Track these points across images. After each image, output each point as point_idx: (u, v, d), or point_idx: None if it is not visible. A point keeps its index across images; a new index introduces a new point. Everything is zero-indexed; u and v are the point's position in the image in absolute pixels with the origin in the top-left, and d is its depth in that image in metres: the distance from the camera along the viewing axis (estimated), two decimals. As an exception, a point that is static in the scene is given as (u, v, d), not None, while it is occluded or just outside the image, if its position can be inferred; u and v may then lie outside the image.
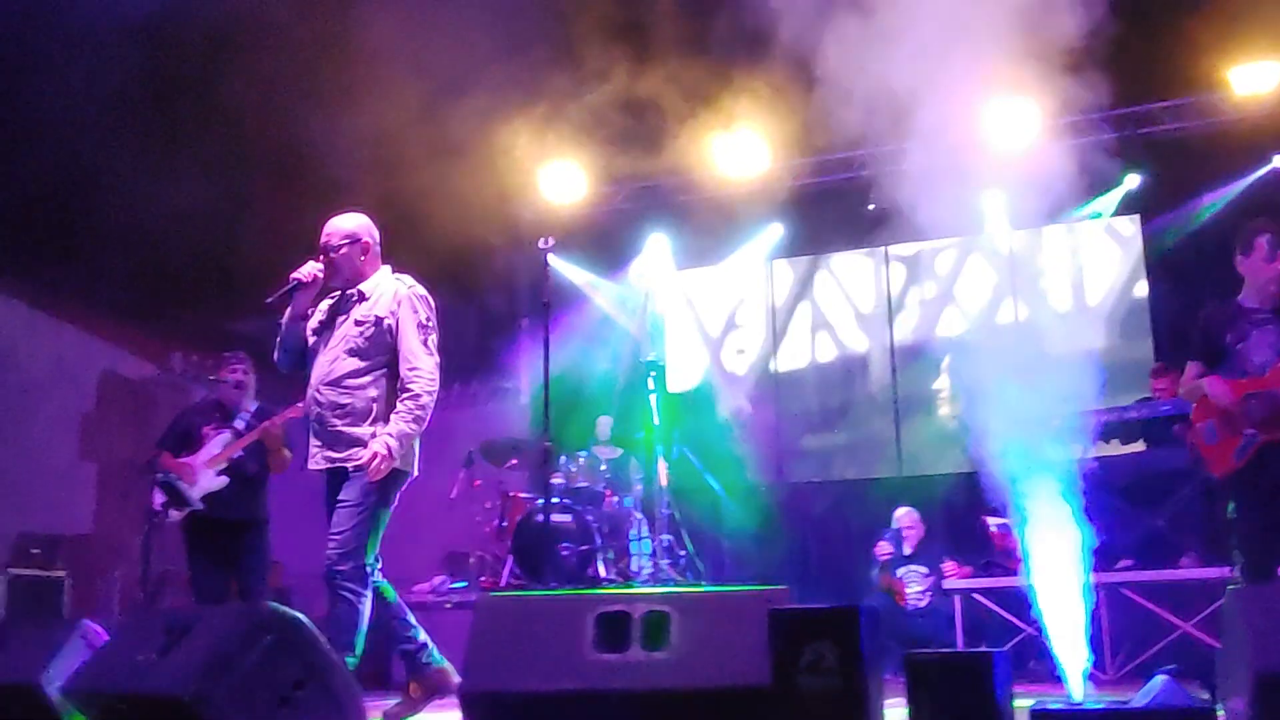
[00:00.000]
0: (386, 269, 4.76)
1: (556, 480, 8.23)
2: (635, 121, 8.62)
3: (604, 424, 9.53)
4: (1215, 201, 9.40)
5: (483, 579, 8.82)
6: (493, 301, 11.58)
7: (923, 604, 8.02)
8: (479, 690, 3.45)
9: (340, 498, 4.45)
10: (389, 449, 4.37)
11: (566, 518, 8.21)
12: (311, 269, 4.63)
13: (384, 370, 4.58)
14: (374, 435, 4.44)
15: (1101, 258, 9.92)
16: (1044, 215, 9.50)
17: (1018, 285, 9.92)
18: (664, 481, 8.69)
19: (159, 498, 6.09)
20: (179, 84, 7.70)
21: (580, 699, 3.32)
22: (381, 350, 4.58)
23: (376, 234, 4.78)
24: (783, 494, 10.20)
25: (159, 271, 9.14)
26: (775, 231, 10.77)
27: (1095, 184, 9.29)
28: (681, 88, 8.38)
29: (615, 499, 8.96)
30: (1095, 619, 5.96)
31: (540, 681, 3.36)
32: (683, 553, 8.71)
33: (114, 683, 3.57)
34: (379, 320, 4.59)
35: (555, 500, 7.86)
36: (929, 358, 10.32)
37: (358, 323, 4.61)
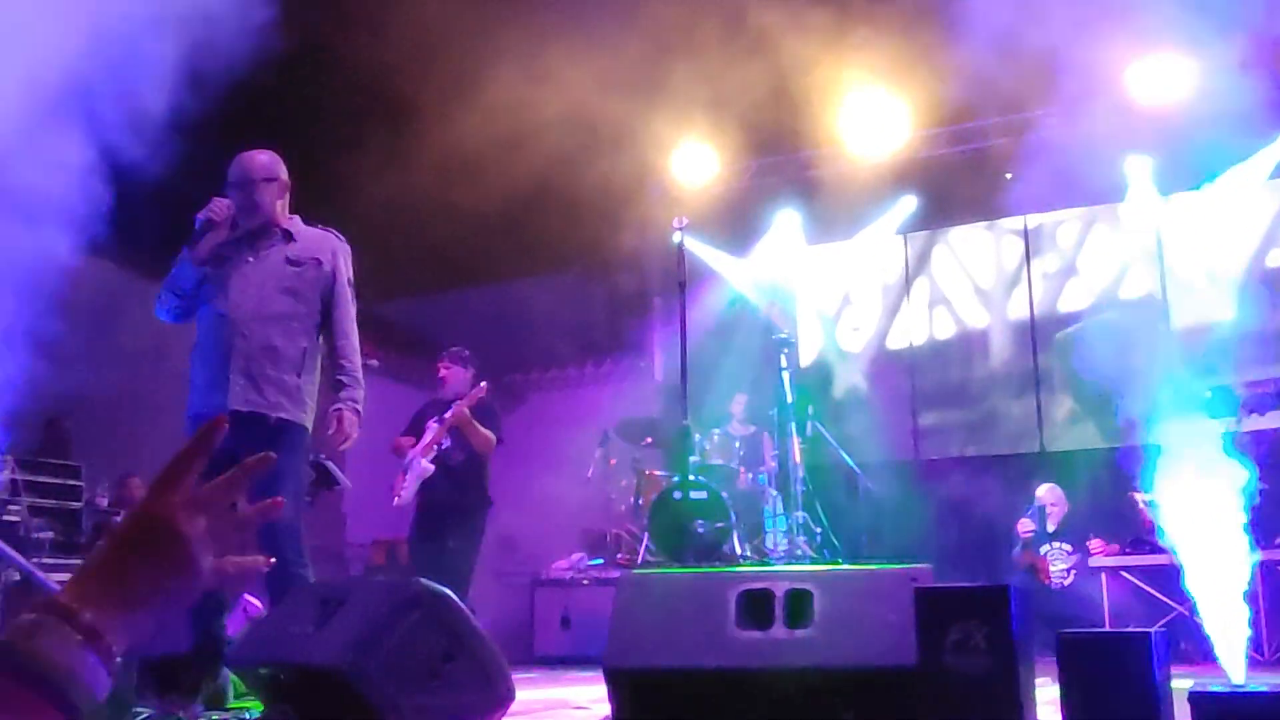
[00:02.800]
0: (297, 217, 4.49)
1: (691, 458, 8.25)
2: (766, 97, 8.54)
3: (739, 402, 9.52)
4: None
5: (619, 556, 8.91)
6: (623, 281, 11.65)
7: (1067, 582, 7.82)
8: (623, 666, 3.49)
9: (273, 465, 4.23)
10: (358, 416, 4.26)
11: (701, 495, 8.22)
12: (223, 205, 4.30)
13: (316, 319, 4.35)
14: (298, 388, 4.23)
15: (1232, 226, 9.48)
16: (1191, 180, 9.19)
17: (1147, 255, 9.60)
18: (798, 458, 8.64)
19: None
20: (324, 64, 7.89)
21: (723, 676, 3.33)
22: (316, 294, 4.33)
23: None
24: (919, 471, 10.05)
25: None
26: (908, 204, 10.56)
27: (1247, 146, 8.90)
28: (812, 59, 8.28)
29: (749, 476, 8.96)
30: (1251, 599, 5.73)
31: (683, 658, 3.39)
32: (818, 530, 8.65)
33: (272, 653, 3.71)
34: (318, 263, 4.35)
35: (690, 477, 7.89)
36: (1070, 332, 10.04)
37: (292, 261, 4.33)
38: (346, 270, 4.43)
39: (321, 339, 4.42)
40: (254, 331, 4.21)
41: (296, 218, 4.48)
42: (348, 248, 4.48)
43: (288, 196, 4.47)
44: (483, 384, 6.67)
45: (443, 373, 6.79)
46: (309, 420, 4.33)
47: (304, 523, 4.33)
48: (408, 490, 6.48)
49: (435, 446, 6.52)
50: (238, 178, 4.37)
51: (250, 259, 4.33)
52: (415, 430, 6.78)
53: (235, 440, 4.25)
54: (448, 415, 6.54)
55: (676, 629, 3.42)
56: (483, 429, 6.53)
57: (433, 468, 6.46)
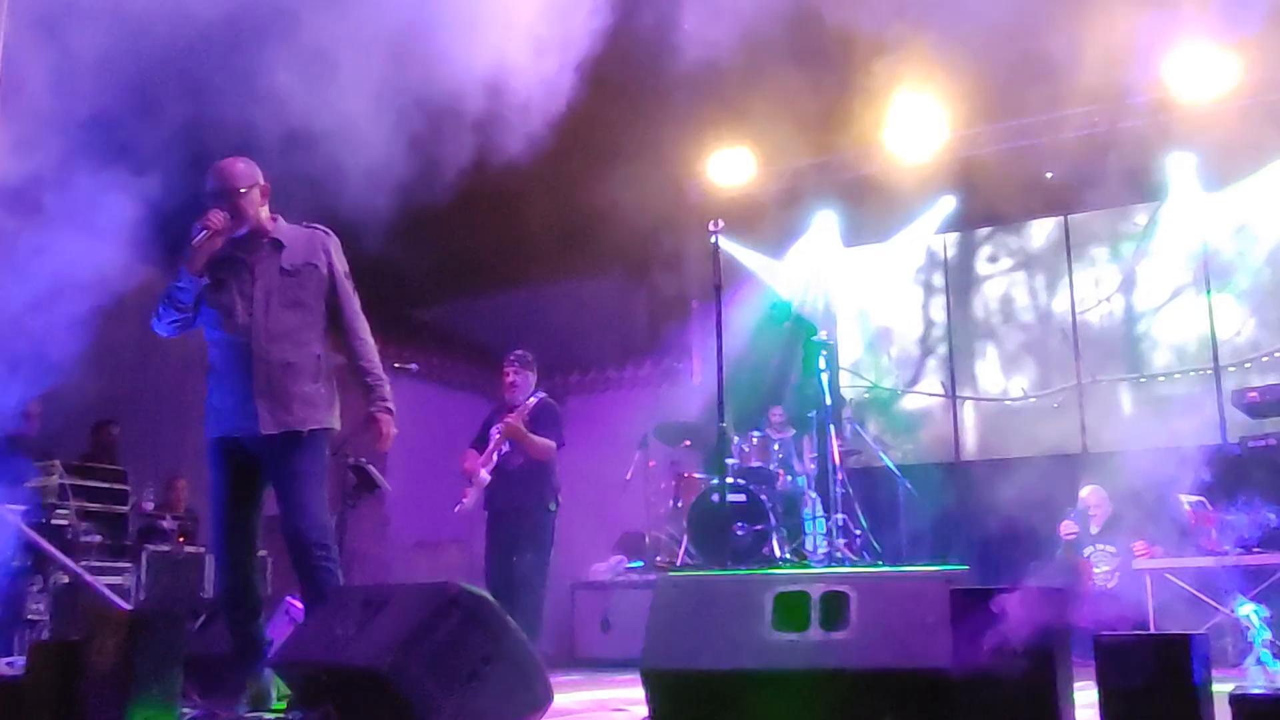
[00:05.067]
0: (280, 217, 4.42)
1: (730, 460, 8.24)
2: (802, 99, 8.51)
3: (776, 414, 9.50)
4: None
5: (659, 559, 8.93)
6: (662, 284, 11.65)
7: (1111, 584, 7.75)
8: (659, 668, 3.50)
9: (299, 469, 4.20)
10: (392, 415, 4.31)
11: (740, 497, 8.23)
12: (220, 216, 4.19)
13: (322, 323, 4.33)
14: (319, 394, 4.24)
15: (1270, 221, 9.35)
16: (1236, 177, 9.08)
17: (1192, 252, 9.51)
18: (837, 460, 8.62)
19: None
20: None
21: (759, 678, 3.33)
22: (318, 299, 4.31)
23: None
24: (960, 472, 9.98)
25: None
26: (947, 205, 10.49)
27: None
28: (850, 61, 8.25)
29: (789, 478, 8.95)
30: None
31: (719, 660, 3.39)
32: (858, 532, 8.63)
33: (315, 654, 3.75)
34: (313, 267, 4.32)
35: (729, 480, 7.88)
36: (1110, 333, 9.96)
37: (287, 272, 4.29)
38: (341, 264, 4.40)
39: (332, 341, 4.42)
40: (270, 352, 4.22)
41: (279, 218, 4.43)
42: (337, 239, 4.44)
43: (267, 196, 4.40)
44: (531, 399, 6.66)
45: (511, 377, 6.76)
46: (335, 419, 4.35)
47: (347, 525, 4.35)
48: (470, 499, 6.52)
49: (495, 454, 6.57)
50: (219, 188, 4.28)
51: (248, 278, 4.29)
52: (482, 439, 6.78)
53: (270, 456, 4.20)
54: (500, 426, 6.56)
55: (712, 631, 3.42)
56: (539, 438, 6.53)
57: (489, 478, 6.50)
